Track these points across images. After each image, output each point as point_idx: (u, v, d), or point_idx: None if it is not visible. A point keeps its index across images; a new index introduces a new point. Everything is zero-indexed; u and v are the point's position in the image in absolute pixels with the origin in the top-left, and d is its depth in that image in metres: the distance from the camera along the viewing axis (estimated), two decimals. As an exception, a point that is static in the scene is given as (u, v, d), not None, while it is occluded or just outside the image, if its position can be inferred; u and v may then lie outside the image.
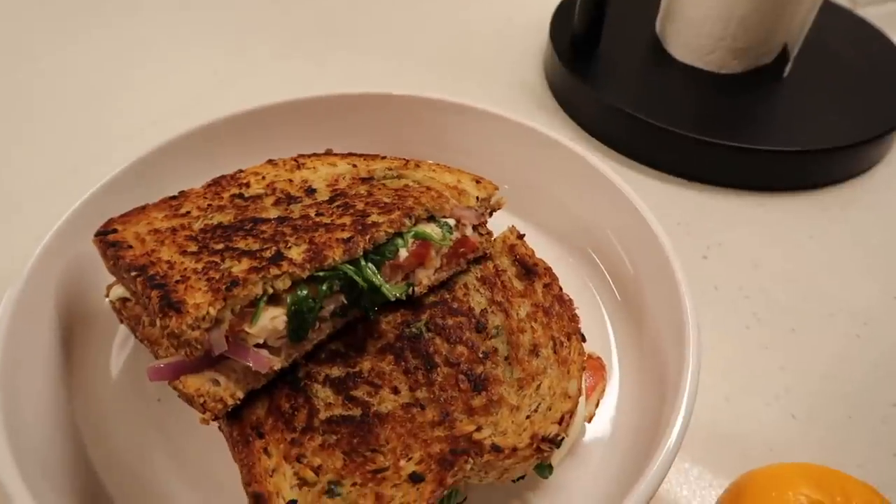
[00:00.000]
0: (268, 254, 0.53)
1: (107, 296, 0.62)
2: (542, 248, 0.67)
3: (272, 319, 0.51)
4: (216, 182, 0.67)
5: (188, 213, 0.62)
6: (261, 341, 0.51)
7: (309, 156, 0.71)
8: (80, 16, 1.16)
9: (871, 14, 1.08)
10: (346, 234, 0.56)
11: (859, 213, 0.84)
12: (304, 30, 1.14)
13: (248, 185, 0.67)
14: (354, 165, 0.70)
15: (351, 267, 0.54)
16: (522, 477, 0.53)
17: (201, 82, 1.03)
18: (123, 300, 0.60)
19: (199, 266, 0.53)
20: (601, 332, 0.66)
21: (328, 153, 0.72)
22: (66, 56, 1.08)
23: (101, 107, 0.99)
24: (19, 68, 1.05)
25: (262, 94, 1.00)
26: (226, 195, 0.65)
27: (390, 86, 1.02)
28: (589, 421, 0.58)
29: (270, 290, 0.51)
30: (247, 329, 0.50)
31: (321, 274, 0.53)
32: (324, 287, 0.53)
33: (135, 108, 0.98)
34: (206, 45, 1.11)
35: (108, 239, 0.58)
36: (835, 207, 0.85)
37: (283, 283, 0.51)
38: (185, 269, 0.53)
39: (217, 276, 0.51)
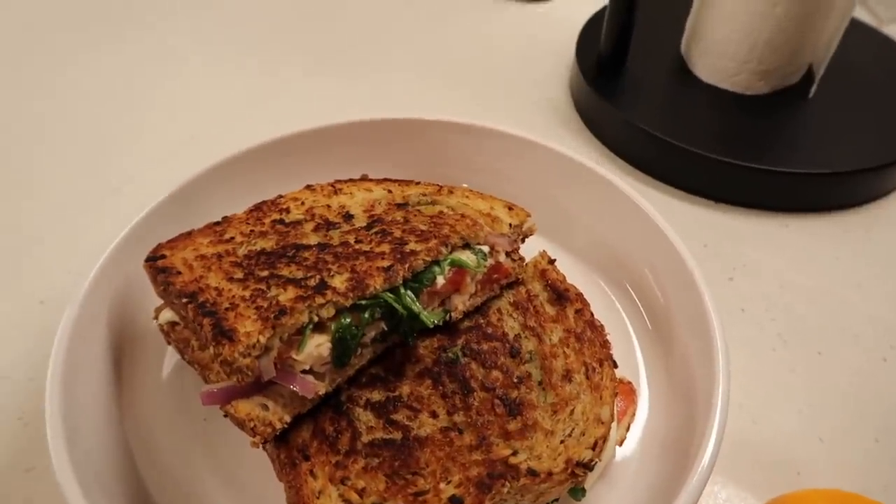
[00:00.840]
0: (312, 282, 0.56)
1: (155, 318, 0.65)
2: (571, 272, 0.69)
3: (317, 346, 0.53)
4: (258, 208, 0.69)
5: (232, 238, 0.65)
6: (307, 367, 0.53)
7: (346, 181, 0.73)
8: (111, 33, 1.20)
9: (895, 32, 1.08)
10: (385, 263, 0.58)
11: (884, 235, 0.85)
12: (332, 49, 1.17)
13: (288, 210, 0.69)
14: (390, 191, 0.72)
15: (391, 295, 0.57)
16: (556, 500, 0.55)
17: (234, 101, 1.06)
18: (172, 324, 0.63)
19: (247, 293, 0.56)
20: (629, 355, 0.68)
21: (364, 178, 0.75)
22: (99, 74, 1.11)
23: (137, 124, 1.02)
24: (55, 85, 1.09)
25: (293, 113, 1.04)
26: (267, 221, 0.68)
27: (419, 105, 1.05)
28: (620, 444, 0.59)
29: (316, 319, 0.53)
30: (294, 356, 0.52)
31: (363, 302, 0.55)
32: (366, 315, 0.55)
33: (170, 127, 1.01)
34: (238, 64, 1.14)
35: (157, 265, 0.61)
36: (860, 229, 0.86)
37: (327, 312, 0.54)
38: (234, 296, 0.56)
39: (265, 305, 0.54)
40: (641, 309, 0.71)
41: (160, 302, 0.65)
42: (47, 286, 0.78)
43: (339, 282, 0.56)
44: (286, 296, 0.54)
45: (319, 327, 0.54)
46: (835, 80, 0.95)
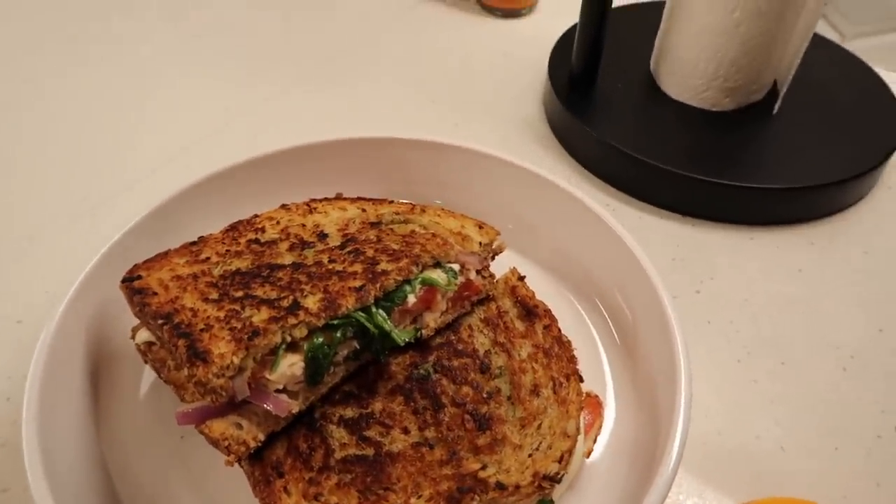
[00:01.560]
0: (285, 303, 0.57)
1: (132, 338, 0.66)
2: (541, 287, 0.71)
3: (290, 366, 0.55)
4: (233, 227, 0.71)
5: (208, 258, 0.66)
6: (280, 387, 0.55)
7: (320, 200, 0.75)
8: (82, 53, 1.21)
9: (858, 48, 1.12)
10: (357, 283, 0.59)
11: (846, 247, 0.88)
12: (310, 64, 1.19)
13: (263, 230, 0.71)
14: (364, 210, 0.74)
15: (363, 314, 0.58)
16: (525, 511, 0.57)
17: (212, 117, 1.07)
18: (149, 343, 0.64)
19: (222, 314, 0.57)
20: (597, 368, 0.69)
21: (339, 197, 0.76)
22: (75, 94, 1.12)
23: (114, 144, 1.03)
24: (32, 105, 1.10)
25: (271, 129, 1.05)
26: (243, 240, 0.69)
27: (396, 120, 1.07)
28: (587, 456, 0.61)
29: (289, 339, 0.55)
30: (267, 376, 0.54)
31: (335, 322, 0.57)
32: (338, 334, 0.57)
33: (148, 145, 1.02)
34: (216, 80, 1.15)
35: (133, 286, 0.62)
36: (823, 240, 0.89)
37: (300, 332, 0.55)
38: (209, 317, 0.57)
39: (239, 326, 0.55)
40: (610, 323, 0.73)
41: (137, 321, 0.66)
42: (25, 306, 0.79)
43: (311, 302, 0.57)
44: (260, 316, 0.56)
45: (292, 347, 0.56)
46: (799, 95, 0.98)
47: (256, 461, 0.55)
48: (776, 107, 0.97)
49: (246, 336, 0.53)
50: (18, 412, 0.68)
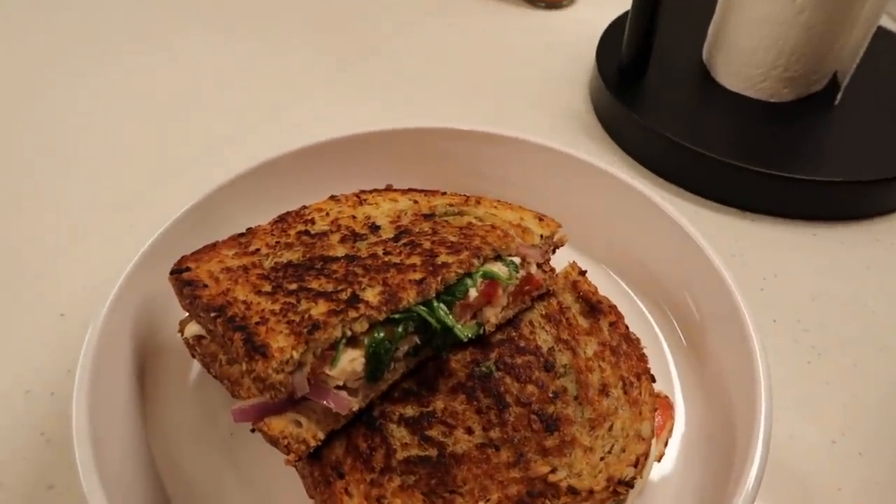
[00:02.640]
0: (344, 296, 0.55)
1: (180, 332, 0.63)
2: (601, 284, 0.67)
3: (351, 361, 0.52)
4: (282, 219, 0.68)
5: (257, 250, 0.64)
6: (340, 383, 0.52)
7: (370, 191, 0.72)
8: (125, 47, 1.20)
9: (919, 38, 1.07)
10: (418, 276, 0.57)
11: (915, 243, 0.84)
12: (352, 58, 1.16)
13: (312, 221, 0.68)
14: (415, 201, 0.71)
15: (424, 308, 0.55)
16: (595, 518, 0.54)
17: (254, 110, 1.05)
18: (198, 337, 0.61)
19: (277, 307, 0.54)
20: (664, 369, 0.66)
21: (388, 189, 0.74)
22: (116, 87, 1.11)
23: (157, 136, 1.01)
24: (75, 99, 1.08)
25: (313, 123, 1.03)
26: (292, 232, 0.67)
27: (439, 114, 1.04)
28: (658, 460, 0.58)
29: (349, 333, 0.52)
30: (327, 371, 0.51)
31: (396, 316, 0.54)
32: (399, 329, 0.54)
33: (190, 137, 1.00)
34: (258, 74, 1.13)
35: (182, 277, 0.60)
36: (890, 237, 0.85)
37: (360, 326, 0.52)
38: (263, 310, 0.54)
39: (297, 319, 0.52)
40: (674, 321, 0.70)
41: (184, 315, 0.63)
42: (68, 300, 0.77)
43: (371, 295, 0.55)
44: (318, 310, 0.53)
45: (352, 341, 0.53)
46: (861, 87, 0.94)
47: (315, 461, 0.53)
48: (838, 98, 0.93)
49: (305, 330, 0.51)
50: (63, 407, 0.67)
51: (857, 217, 0.87)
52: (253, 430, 0.62)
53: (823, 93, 0.94)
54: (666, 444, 0.59)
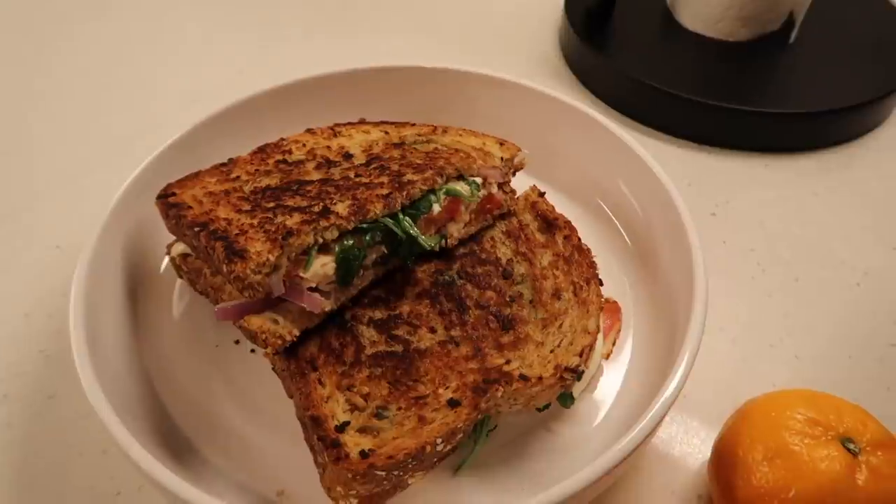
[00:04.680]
0: (316, 209, 0.60)
1: (168, 253, 0.68)
2: (560, 205, 0.72)
3: (323, 266, 0.57)
4: (261, 150, 0.73)
5: (238, 177, 0.69)
6: (313, 285, 0.57)
7: (344, 124, 0.77)
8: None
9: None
10: (385, 191, 0.62)
11: (860, 172, 0.89)
12: (331, 9, 1.20)
13: (290, 151, 0.73)
14: (387, 132, 0.76)
15: (390, 220, 0.61)
16: (547, 406, 0.60)
17: (236, 59, 1.09)
18: (184, 255, 0.66)
19: (255, 221, 0.59)
20: (618, 281, 0.71)
21: (362, 122, 0.78)
22: (109, 33, 1.15)
23: (144, 82, 1.06)
24: (71, 42, 1.13)
25: (294, 70, 1.06)
26: (271, 161, 0.71)
27: (414, 60, 1.08)
28: (606, 358, 0.64)
29: (321, 240, 0.57)
30: (301, 274, 0.56)
31: (364, 226, 0.59)
32: (367, 237, 0.59)
33: (177, 85, 1.04)
34: (238, 25, 1.17)
35: (169, 201, 0.65)
36: (837, 167, 0.90)
37: (331, 234, 0.58)
38: (243, 224, 0.59)
39: (273, 229, 0.57)
40: (624, 234, 0.75)
41: (171, 240, 0.68)
42: (63, 232, 0.82)
43: (341, 208, 0.60)
44: (292, 220, 0.58)
45: (324, 249, 0.58)
46: (815, 26, 0.98)
47: (291, 357, 0.58)
48: (792, 36, 0.97)
49: (280, 236, 0.56)
50: (60, 325, 0.72)
51: (807, 148, 0.91)
52: (237, 342, 0.68)
53: (780, 32, 0.99)
54: (614, 343, 0.64)
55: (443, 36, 1.13)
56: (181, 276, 0.70)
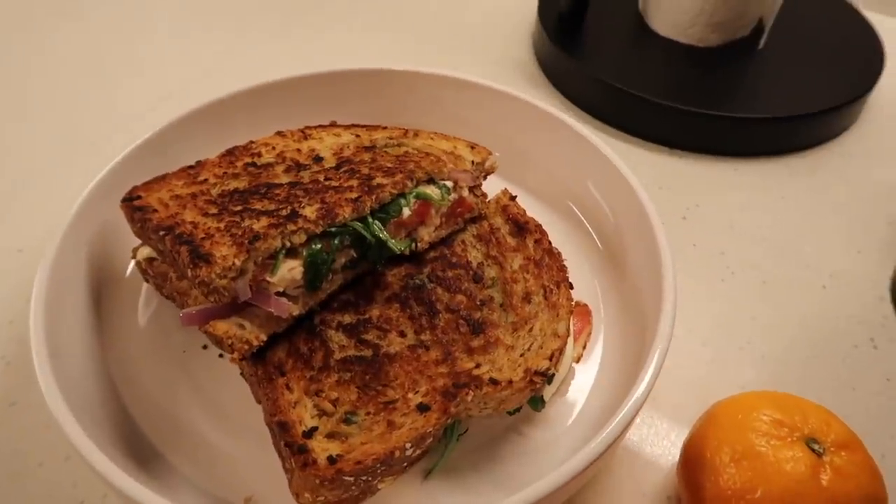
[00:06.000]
0: (284, 212, 0.59)
1: (133, 257, 0.67)
2: (531, 208, 0.72)
3: (290, 270, 0.57)
4: (230, 152, 0.72)
5: (205, 180, 0.68)
6: (281, 290, 0.56)
7: (315, 127, 0.76)
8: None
9: (842, -12, 1.13)
10: (354, 195, 0.61)
11: (826, 177, 0.90)
12: (301, 9, 1.19)
13: (259, 154, 0.72)
14: (357, 135, 0.75)
15: (359, 224, 0.60)
16: (518, 410, 0.60)
17: (206, 60, 1.08)
18: (150, 259, 0.65)
19: (222, 225, 0.59)
20: (588, 284, 0.72)
21: (333, 125, 0.77)
22: (72, 36, 1.12)
23: (112, 84, 1.04)
24: (33, 45, 1.10)
25: (263, 70, 1.06)
26: (239, 164, 0.70)
27: (386, 62, 1.08)
28: (577, 361, 0.64)
29: (288, 244, 0.57)
30: (268, 278, 0.56)
31: (333, 230, 0.59)
32: (335, 241, 0.59)
33: (144, 86, 1.03)
34: (208, 24, 1.16)
35: (134, 204, 0.63)
36: (804, 171, 0.91)
37: (299, 238, 0.57)
38: (209, 227, 0.58)
39: (239, 232, 0.57)
40: (595, 238, 0.75)
41: (136, 243, 0.67)
42: (26, 235, 0.80)
43: (309, 211, 0.59)
44: (259, 224, 0.57)
45: (292, 253, 0.57)
46: (783, 32, 1.00)
47: (259, 361, 0.57)
48: (761, 42, 0.99)
49: (247, 240, 0.55)
50: (22, 334, 0.70)
51: (775, 153, 0.93)
52: (205, 347, 0.67)
53: (749, 38, 1.00)
54: (584, 346, 0.65)
55: (417, 39, 1.13)
56: (147, 281, 0.69)
